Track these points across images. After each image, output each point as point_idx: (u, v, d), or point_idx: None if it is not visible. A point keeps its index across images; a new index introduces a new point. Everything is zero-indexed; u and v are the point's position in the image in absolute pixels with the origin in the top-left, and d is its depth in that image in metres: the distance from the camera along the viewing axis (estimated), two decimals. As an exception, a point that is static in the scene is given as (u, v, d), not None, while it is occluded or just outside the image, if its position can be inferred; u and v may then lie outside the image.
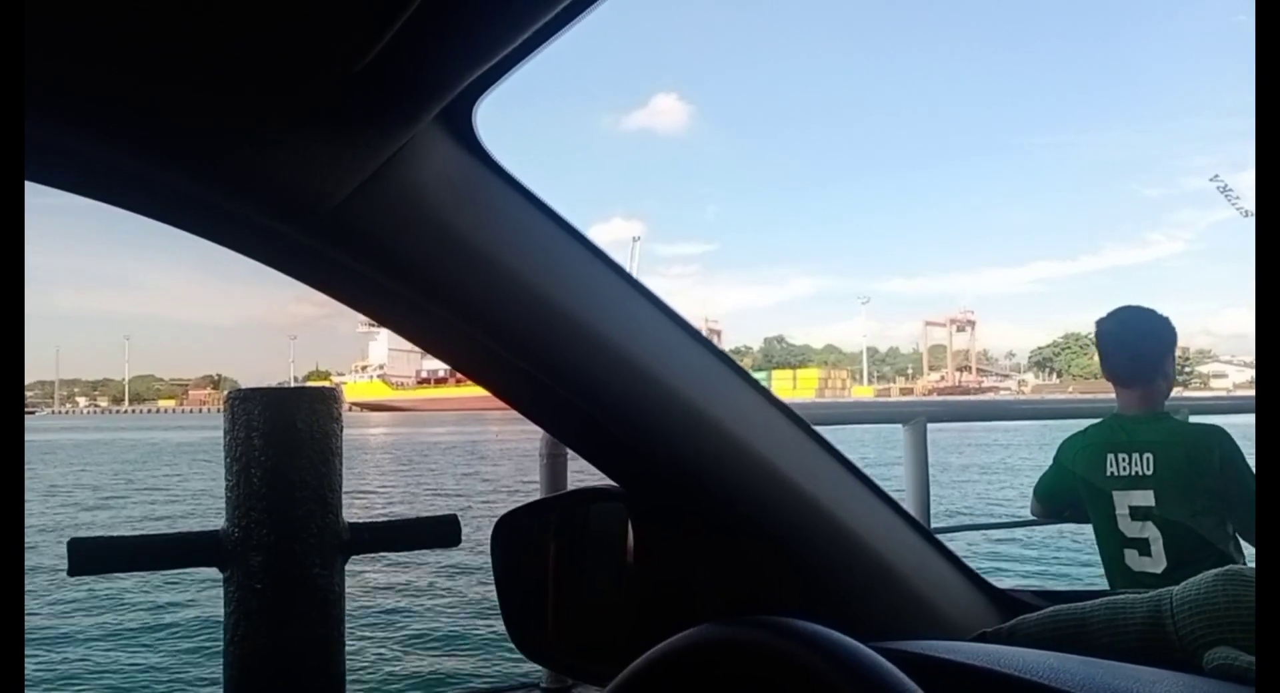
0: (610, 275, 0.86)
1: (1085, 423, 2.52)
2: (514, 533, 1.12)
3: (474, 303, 0.80)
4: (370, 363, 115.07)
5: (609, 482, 1.01)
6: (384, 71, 0.61)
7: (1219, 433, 2.29)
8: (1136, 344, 2.36)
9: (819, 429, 1.03)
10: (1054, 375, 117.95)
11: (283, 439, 1.68)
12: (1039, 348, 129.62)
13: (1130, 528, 2.31)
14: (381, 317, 0.86)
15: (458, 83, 0.65)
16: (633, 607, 1.02)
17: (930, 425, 2.83)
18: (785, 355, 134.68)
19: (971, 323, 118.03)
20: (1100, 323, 2.39)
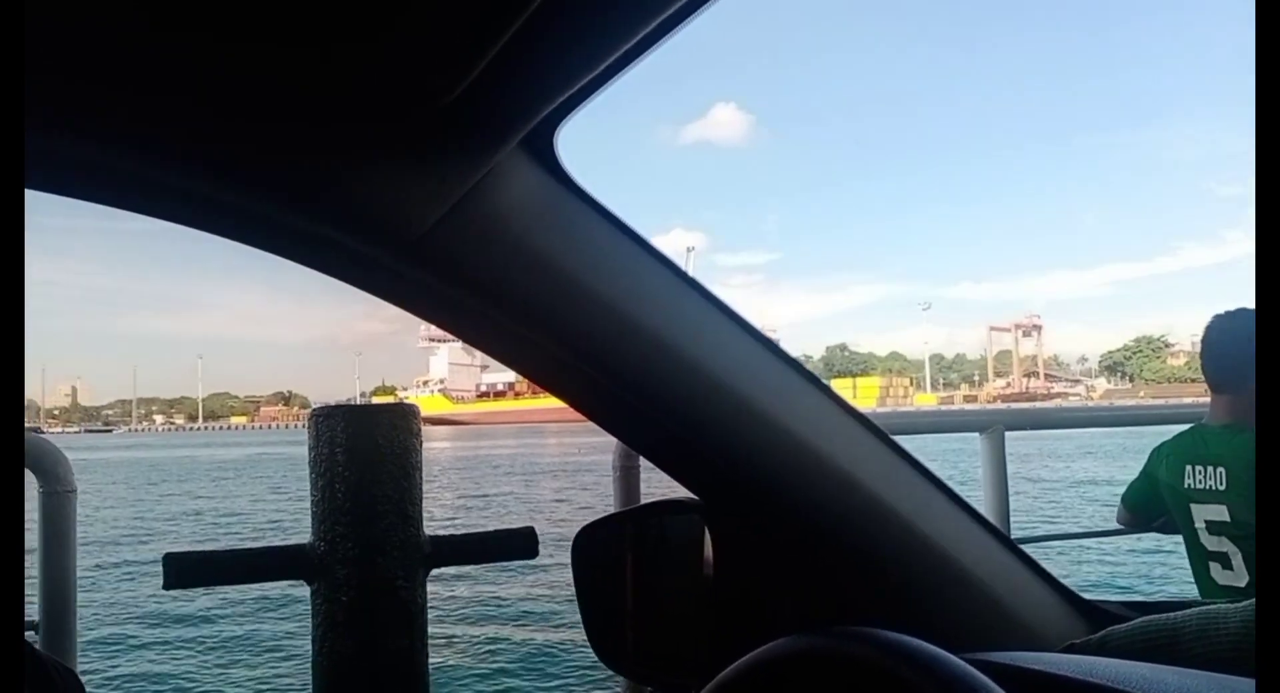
0: (687, 291, 0.88)
1: (1173, 428, 2.44)
2: (592, 546, 1.14)
3: (557, 321, 0.82)
4: (431, 377, 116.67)
5: (685, 494, 1.03)
6: (473, 100, 0.64)
7: None
8: (1229, 348, 2.25)
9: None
10: (1126, 380, 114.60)
11: (365, 455, 1.73)
12: (1109, 352, 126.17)
13: (1210, 542, 2.26)
14: (468, 336, 0.89)
15: (540, 111, 0.67)
16: (710, 619, 1.03)
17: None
18: (847, 364, 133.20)
19: (1038, 327, 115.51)
20: (1210, 323, 2.30)
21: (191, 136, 0.68)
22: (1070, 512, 17.77)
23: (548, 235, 0.80)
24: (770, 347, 0.91)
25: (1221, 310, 2.29)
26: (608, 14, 0.56)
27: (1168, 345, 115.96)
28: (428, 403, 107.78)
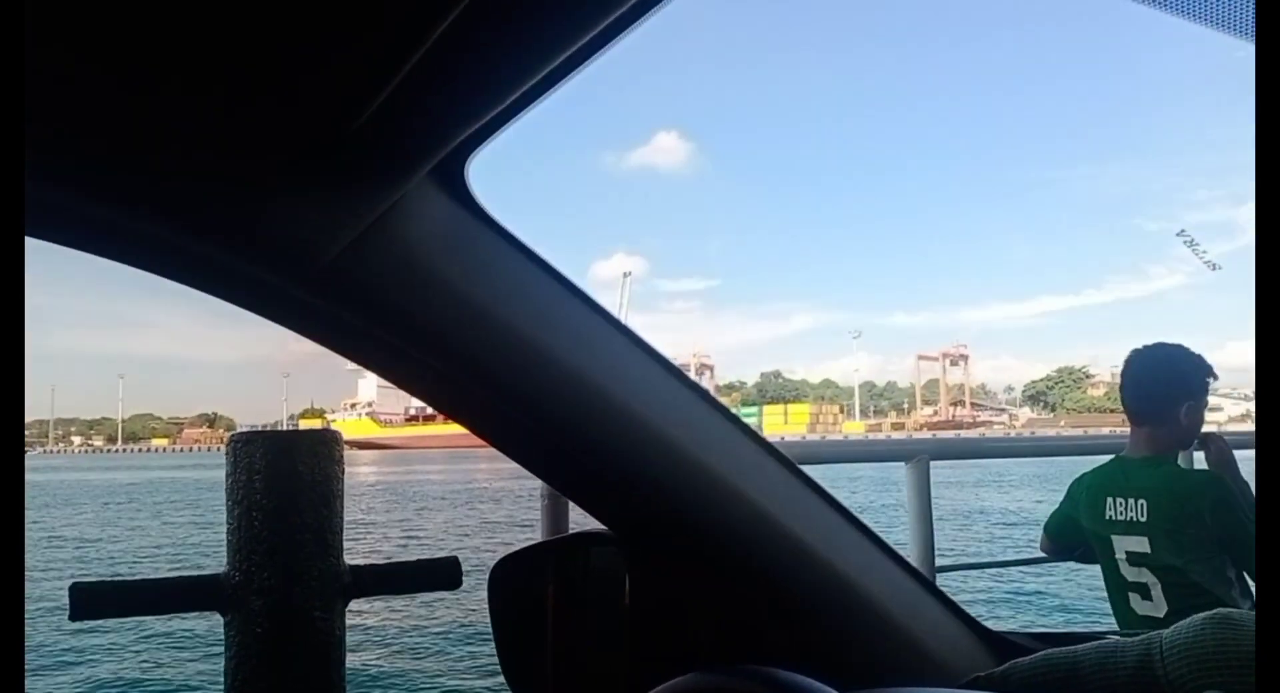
0: (600, 323, 0.88)
1: (1090, 460, 2.50)
2: (511, 577, 1.12)
3: (466, 352, 0.82)
4: (359, 400, 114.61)
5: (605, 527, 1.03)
6: (378, 130, 0.63)
7: (1212, 481, 2.24)
8: (1148, 382, 2.31)
9: (820, 467, 1.05)
10: (1048, 409, 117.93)
11: (284, 482, 1.70)
12: (1033, 382, 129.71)
13: (1129, 572, 2.29)
14: (376, 366, 0.87)
15: (450, 140, 0.66)
16: (628, 651, 1.03)
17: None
18: (780, 391, 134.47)
19: (965, 357, 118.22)
20: (1129, 356, 2.36)
21: (98, 164, 0.67)
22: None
23: (457, 265, 0.79)
24: (682, 379, 0.92)
25: (1140, 345, 2.36)
26: (513, 47, 0.56)
27: (1088, 376, 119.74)
28: (355, 427, 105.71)
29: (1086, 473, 2.50)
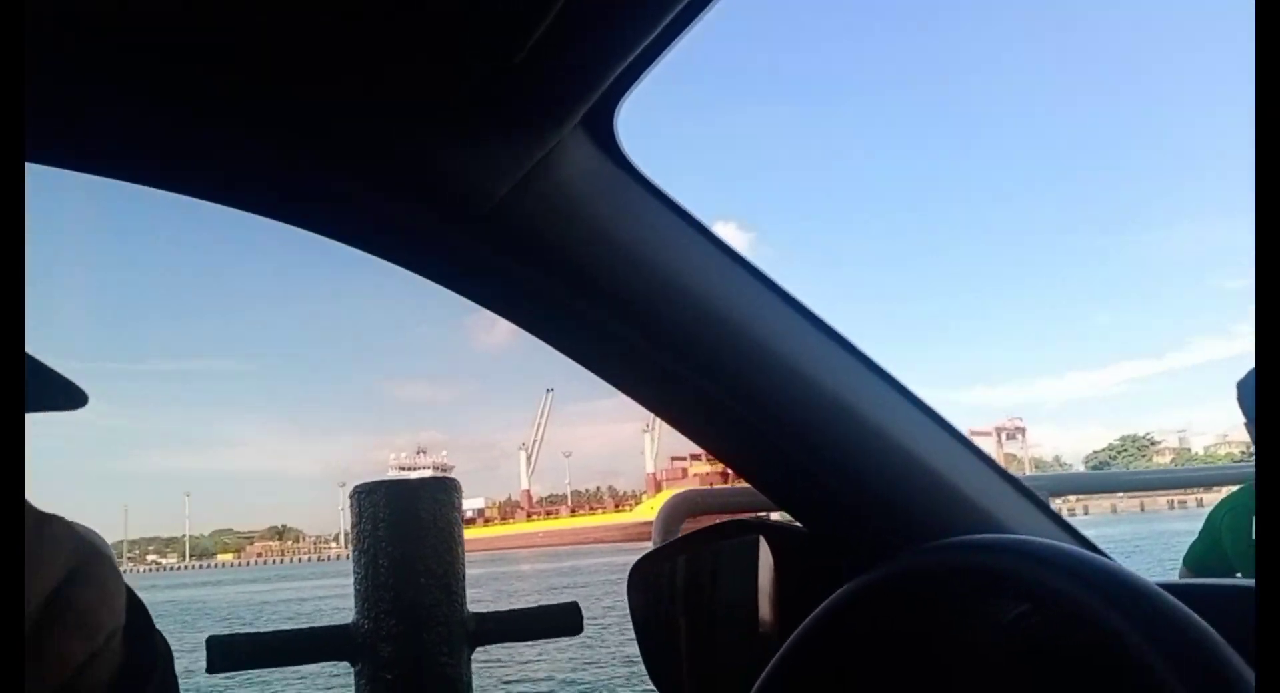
0: (751, 281, 0.87)
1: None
2: (647, 577, 1.14)
3: (627, 302, 0.81)
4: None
5: (738, 517, 1.01)
6: (537, 67, 0.65)
7: None
8: None
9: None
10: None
11: (407, 530, 1.71)
12: (1095, 452, 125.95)
13: None
14: (531, 323, 0.87)
15: (601, 80, 0.68)
16: (768, 642, 0.99)
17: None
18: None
19: (1021, 430, 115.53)
20: (1243, 381, 2.27)
21: (258, 110, 0.67)
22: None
23: (613, 216, 0.80)
24: (856, 352, 0.90)
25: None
26: None
27: (1153, 443, 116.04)
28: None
29: (1225, 497, 2.42)
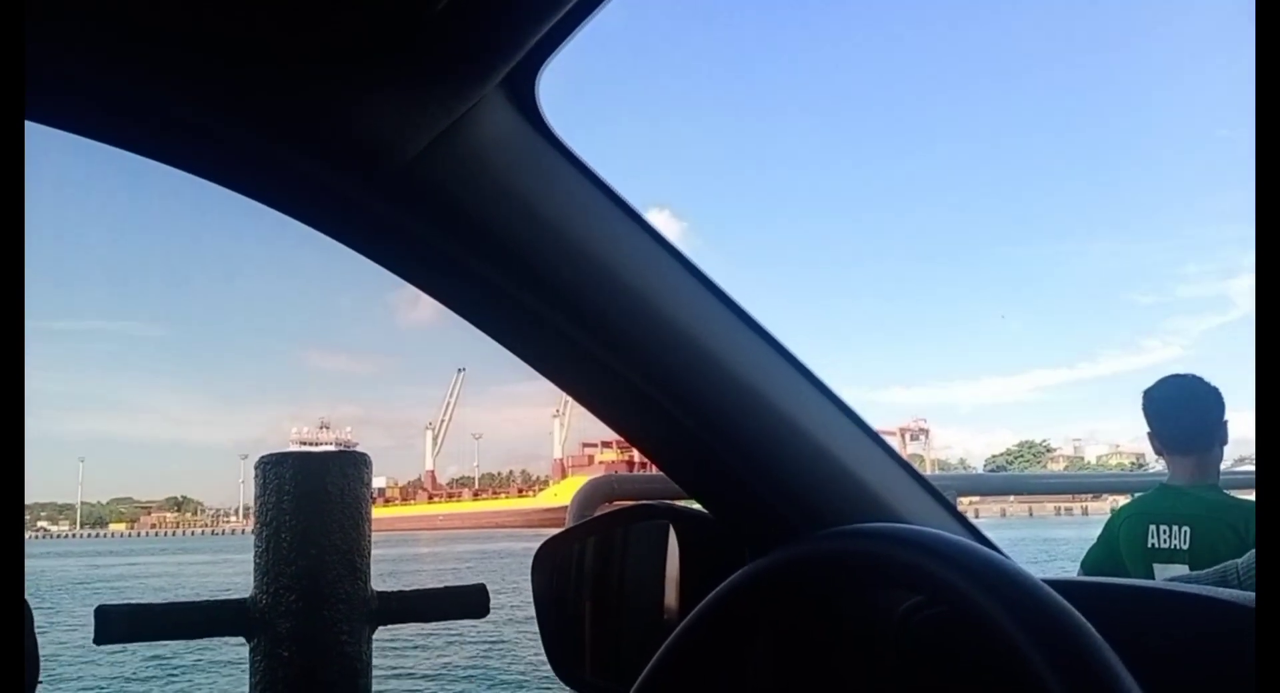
0: (671, 263, 0.86)
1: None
2: (553, 559, 1.12)
3: (534, 270, 0.79)
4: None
5: (649, 501, 1.00)
6: (457, 20, 0.62)
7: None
8: (1185, 411, 2.34)
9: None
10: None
11: (313, 502, 1.67)
12: (994, 456, 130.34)
13: None
14: (430, 285, 0.84)
15: (527, 36, 0.65)
16: (671, 628, 1.00)
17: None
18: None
19: (925, 431, 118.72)
20: (1150, 392, 2.38)
21: (166, 57, 0.64)
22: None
23: (528, 181, 0.77)
24: (771, 340, 0.89)
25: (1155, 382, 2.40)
26: None
27: (1049, 450, 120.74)
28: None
29: (1126, 504, 2.52)
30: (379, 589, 1.72)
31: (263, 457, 1.71)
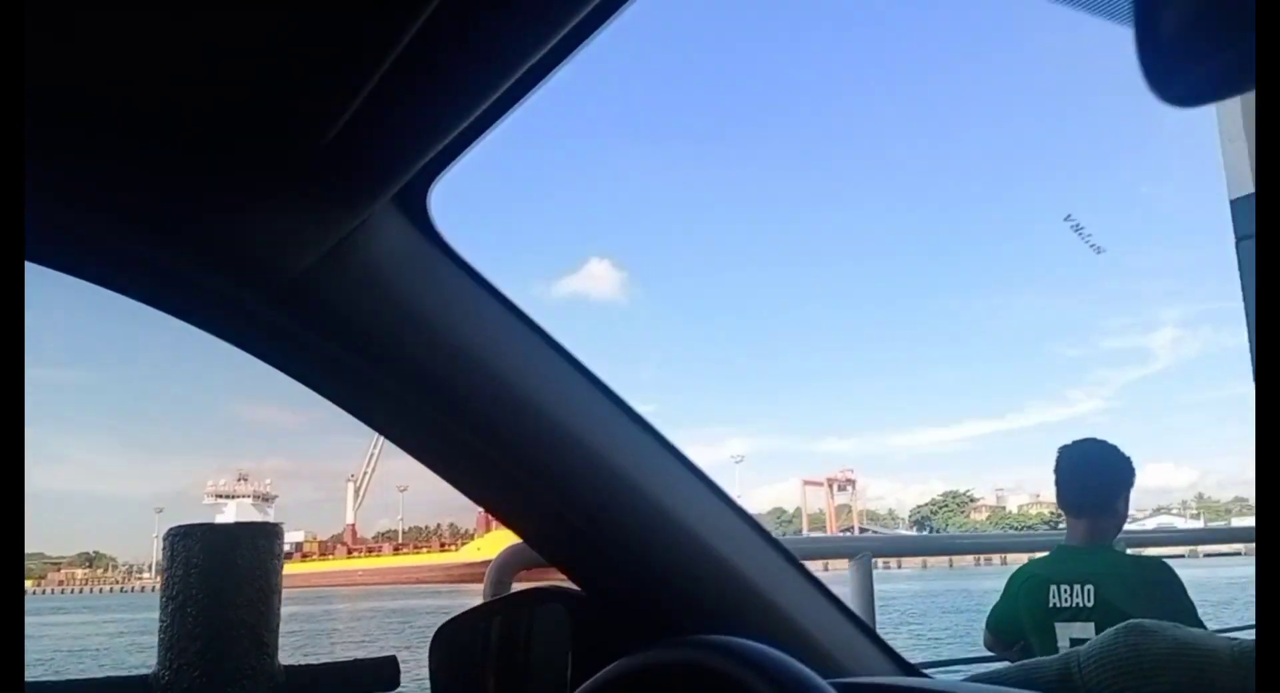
0: (561, 362, 0.90)
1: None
2: (453, 643, 1.11)
3: (424, 377, 0.82)
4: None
5: (555, 583, 1.02)
6: (346, 148, 0.66)
7: (1161, 567, 2.34)
8: (1088, 475, 2.41)
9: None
10: (932, 533, 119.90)
11: (221, 576, 1.66)
12: (918, 506, 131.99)
13: None
14: (330, 392, 0.87)
15: (415, 159, 0.70)
16: None
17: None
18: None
19: (851, 482, 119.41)
20: (1060, 452, 2.46)
21: (56, 165, 0.66)
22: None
23: (419, 291, 0.80)
24: (644, 425, 0.93)
25: (1068, 443, 2.47)
26: (470, 68, 0.60)
27: (972, 500, 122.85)
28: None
29: (1024, 565, 2.57)
30: (286, 663, 1.71)
31: (170, 529, 1.70)
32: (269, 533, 1.75)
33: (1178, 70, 0.32)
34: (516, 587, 2.08)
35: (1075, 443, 2.46)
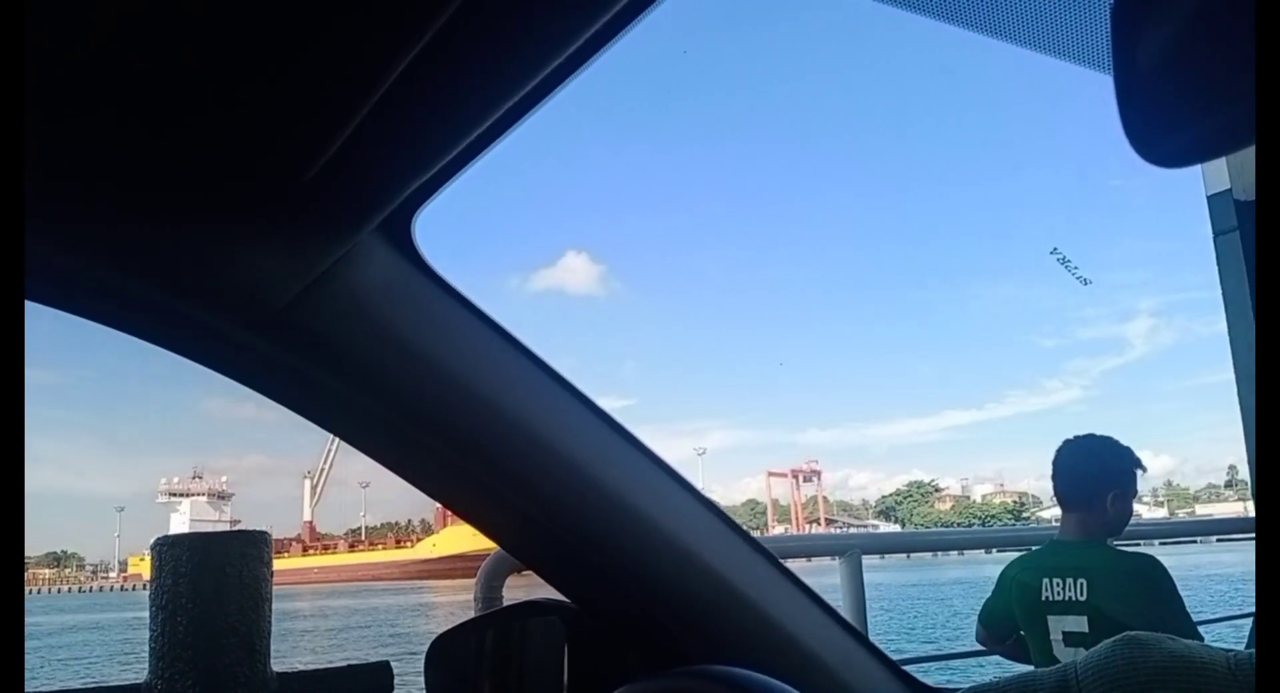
0: (548, 381, 0.91)
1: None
2: (449, 655, 1.11)
3: (412, 401, 0.84)
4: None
5: (549, 596, 1.03)
6: (331, 181, 0.67)
7: (1152, 561, 2.36)
8: (1077, 471, 2.43)
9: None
10: (898, 523, 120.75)
11: (211, 585, 1.65)
12: (884, 496, 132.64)
13: (1064, 654, 2.32)
14: (321, 418, 0.89)
15: (398, 193, 0.71)
16: None
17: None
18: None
19: (817, 473, 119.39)
20: (1058, 449, 2.48)
21: (43, 204, 0.66)
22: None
23: (405, 318, 0.82)
24: (634, 442, 0.94)
25: (1066, 439, 2.47)
26: (458, 99, 0.61)
27: (937, 490, 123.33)
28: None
29: (1015, 560, 2.59)
30: (278, 670, 1.70)
31: (158, 539, 1.68)
32: (257, 541, 1.74)
33: (1160, 134, 0.33)
34: (510, 588, 2.08)
35: (1077, 438, 2.48)
